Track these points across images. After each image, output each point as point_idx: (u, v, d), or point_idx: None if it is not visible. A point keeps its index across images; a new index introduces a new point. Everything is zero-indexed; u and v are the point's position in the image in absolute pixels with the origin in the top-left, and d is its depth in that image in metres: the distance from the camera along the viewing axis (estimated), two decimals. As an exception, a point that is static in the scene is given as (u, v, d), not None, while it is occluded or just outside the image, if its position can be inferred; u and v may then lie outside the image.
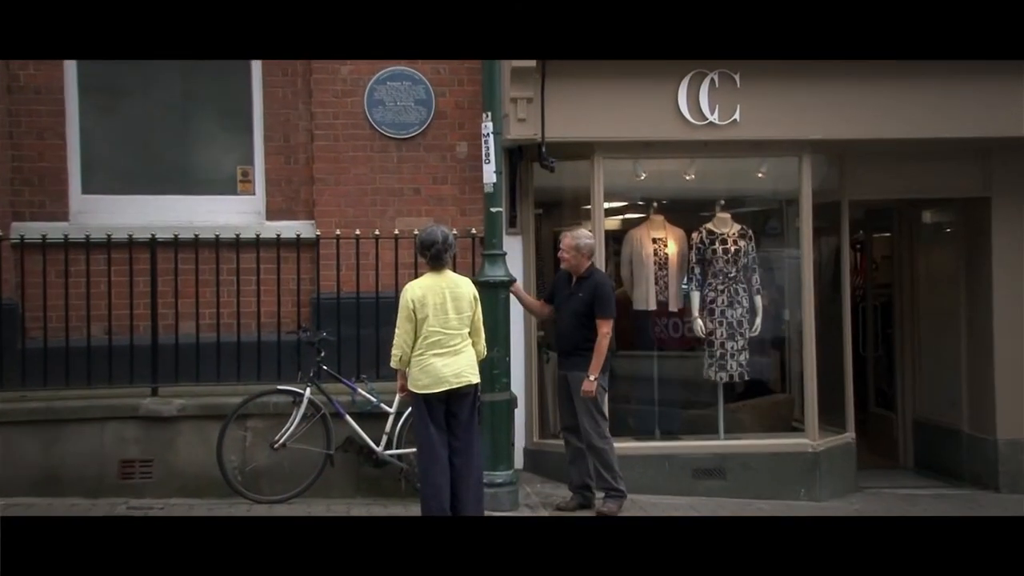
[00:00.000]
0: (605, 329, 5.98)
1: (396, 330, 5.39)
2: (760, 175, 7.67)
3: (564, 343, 6.19)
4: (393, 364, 5.44)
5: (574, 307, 6.10)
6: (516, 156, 7.24)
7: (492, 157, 6.04)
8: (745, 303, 7.47)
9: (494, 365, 5.94)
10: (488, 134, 6.06)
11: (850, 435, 7.76)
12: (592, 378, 5.95)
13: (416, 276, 6.84)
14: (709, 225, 7.53)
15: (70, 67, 7.00)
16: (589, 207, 7.26)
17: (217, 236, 6.77)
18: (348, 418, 6.27)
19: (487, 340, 5.64)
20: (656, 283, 7.66)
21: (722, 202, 7.58)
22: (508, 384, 6.11)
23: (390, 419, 6.29)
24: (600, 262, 7.03)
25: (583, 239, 6.18)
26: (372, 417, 6.30)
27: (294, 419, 6.20)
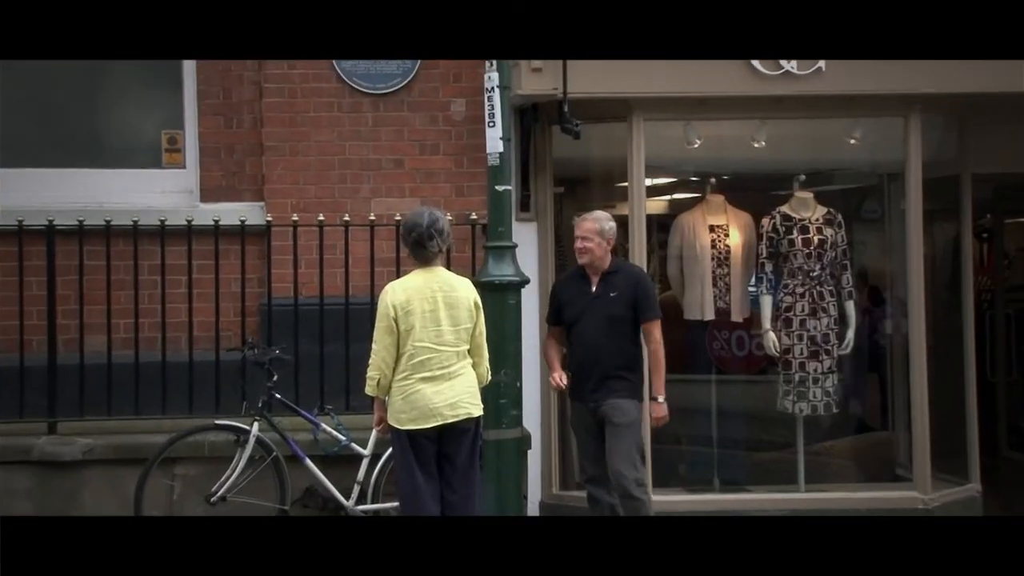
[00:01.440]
0: (658, 334, 5.97)
1: (373, 346, 5.29)
2: (852, 141, 7.60)
3: (595, 366, 5.97)
4: (368, 390, 5.35)
5: (607, 313, 5.98)
6: (529, 118, 7.20)
7: (498, 119, 5.98)
8: (832, 311, 7.40)
9: (500, 393, 5.88)
10: (493, 89, 6.01)
11: (975, 487, 7.66)
12: (661, 399, 5.95)
13: (400, 275, 6.84)
14: (785, 208, 7.47)
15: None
16: (625, 184, 7.19)
17: (135, 222, 6.73)
18: (309, 462, 6.23)
19: (491, 360, 5.55)
20: (715, 285, 7.61)
21: (802, 177, 7.51)
22: (519, 418, 6.05)
23: (364, 464, 6.23)
24: (639, 258, 6.97)
25: (605, 221, 6.07)
26: (340, 461, 6.26)
27: (237, 464, 6.15)
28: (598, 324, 5.97)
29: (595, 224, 6.03)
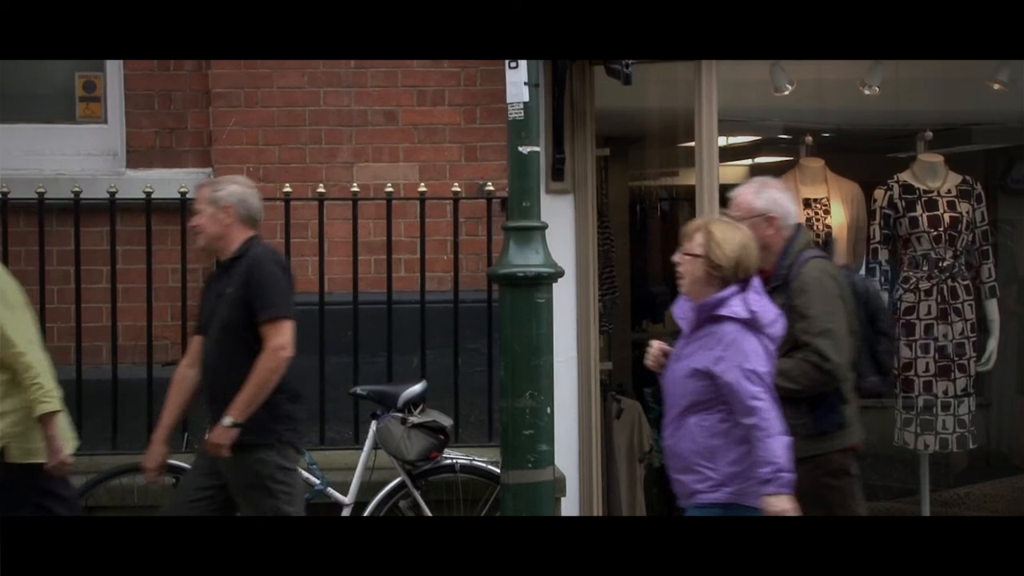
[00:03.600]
0: (278, 340, 5.49)
1: None
2: (997, 87, 7.66)
3: (210, 398, 5.68)
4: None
5: (221, 321, 5.64)
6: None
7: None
8: (969, 313, 7.47)
9: (525, 422, 5.96)
10: (515, 16, 6.10)
11: None
12: (228, 421, 5.45)
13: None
14: (905, 175, 7.54)
15: None
16: (691, 145, 7.26)
17: (41, 194, 6.83)
18: (270, 514, 6.34)
19: (512, 377, 5.66)
20: (812, 278, 7.66)
21: (929, 135, 7.59)
22: (550, 455, 6.10)
23: (344, 514, 6.37)
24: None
25: (226, 185, 5.74)
26: (314, 511, 6.25)
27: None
28: (214, 337, 5.69)
29: (208, 191, 5.80)
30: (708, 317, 4.98)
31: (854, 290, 5.72)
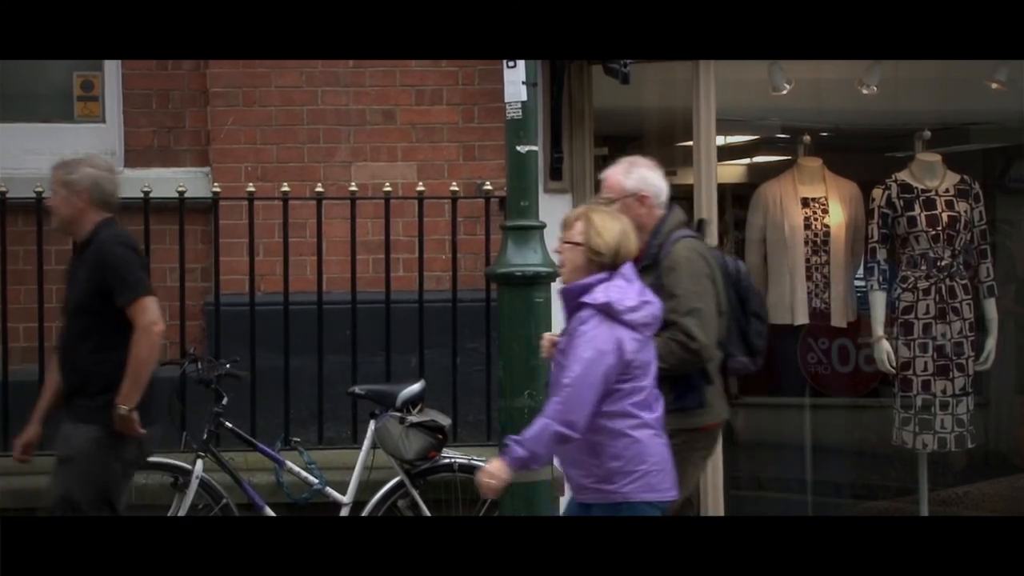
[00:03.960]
0: (145, 319, 5.48)
1: None
2: (995, 86, 7.67)
3: (65, 385, 5.70)
4: None
5: (71, 305, 5.68)
6: (562, 55, 7.30)
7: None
8: (967, 312, 7.48)
9: (523, 420, 5.87)
10: (513, 15, 6.11)
11: None
12: (124, 409, 5.46)
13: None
14: (904, 175, 7.55)
15: None
16: (690, 145, 7.28)
17: (39, 193, 6.74)
18: (269, 513, 6.35)
19: (510, 376, 5.67)
20: (809, 278, 7.71)
21: (927, 134, 7.60)
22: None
23: (343, 514, 6.37)
24: (709, 236, 7.03)
25: (80, 168, 5.63)
26: (312, 511, 6.37)
27: (176, 514, 6.28)
28: (68, 320, 5.73)
29: (61, 173, 5.69)
30: (576, 305, 5.04)
31: (725, 271, 5.76)
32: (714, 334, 5.49)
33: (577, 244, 5.05)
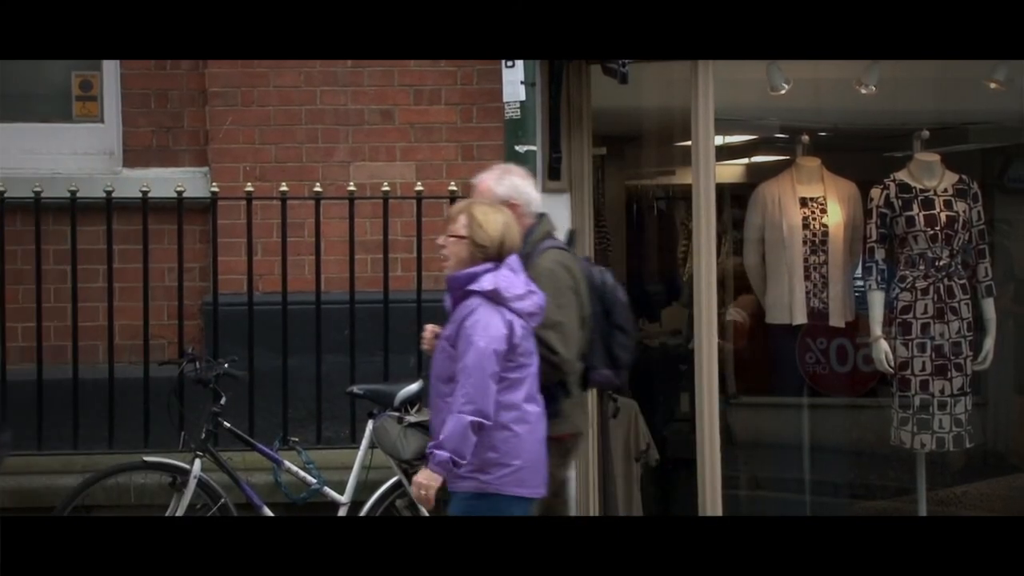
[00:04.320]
0: None
1: None
2: (994, 86, 7.68)
3: None
4: None
5: None
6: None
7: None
8: (965, 312, 7.48)
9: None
10: (511, 15, 6.10)
11: None
12: None
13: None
14: (902, 175, 7.55)
15: None
16: (688, 144, 7.27)
17: (37, 193, 6.84)
18: (268, 512, 6.37)
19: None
20: (808, 278, 7.71)
21: (925, 134, 7.60)
22: (546, 454, 6.11)
23: (341, 513, 6.38)
24: (706, 241, 7.04)
25: None
26: (311, 511, 6.39)
27: (174, 514, 6.30)
28: None
29: None
30: (462, 293, 5.12)
31: (591, 282, 5.80)
32: (576, 347, 5.56)
33: (461, 238, 5.16)
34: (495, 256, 5.15)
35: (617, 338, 5.85)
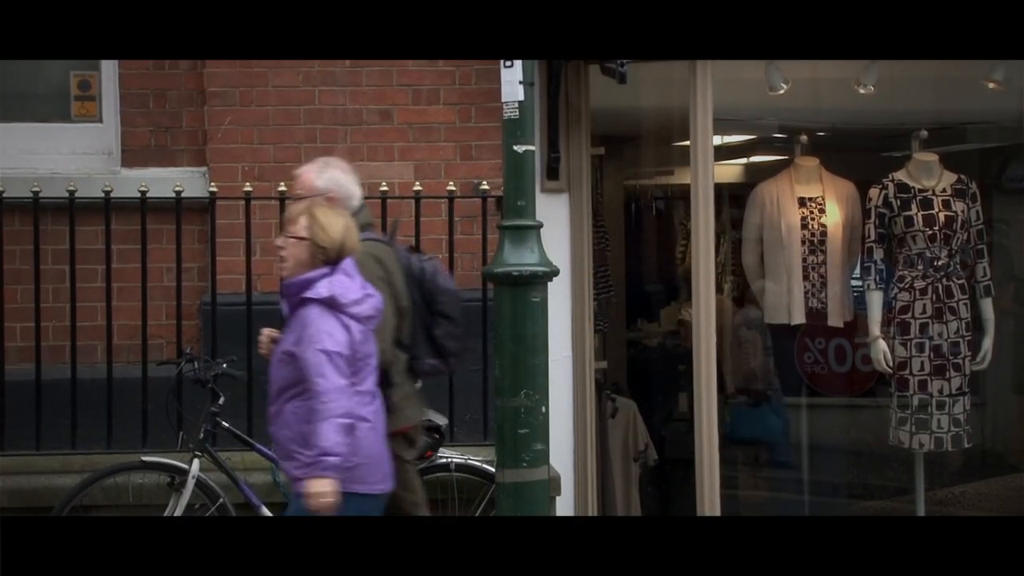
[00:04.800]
0: None
1: None
2: (992, 85, 7.68)
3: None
4: None
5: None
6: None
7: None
8: (964, 312, 7.49)
9: (520, 421, 5.94)
10: (509, 15, 6.10)
11: None
12: None
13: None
14: (901, 175, 7.55)
15: None
16: (687, 144, 7.28)
17: (35, 193, 6.83)
18: (266, 512, 6.36)
19: (508, 377, 5.69)
20: (806, 278, 7.71)
21: (924, 134, 7.60)
22: (545, 455, 6.09)
23: (338, 515, 6.37)
24: (704, 240, 7.04)
25: None
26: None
27: (172, 514, 6.29)
28: None
29: None
30: (298, 300, 5.13)
31: (410, 273, 5.83)
32: (389, 338, 5.55)
33: (302, 239, 5.16)
34: (335, 258, 5.15)
35: (442, 327, 5.87)
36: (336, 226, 5.20)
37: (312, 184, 5.69)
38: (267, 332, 5.54)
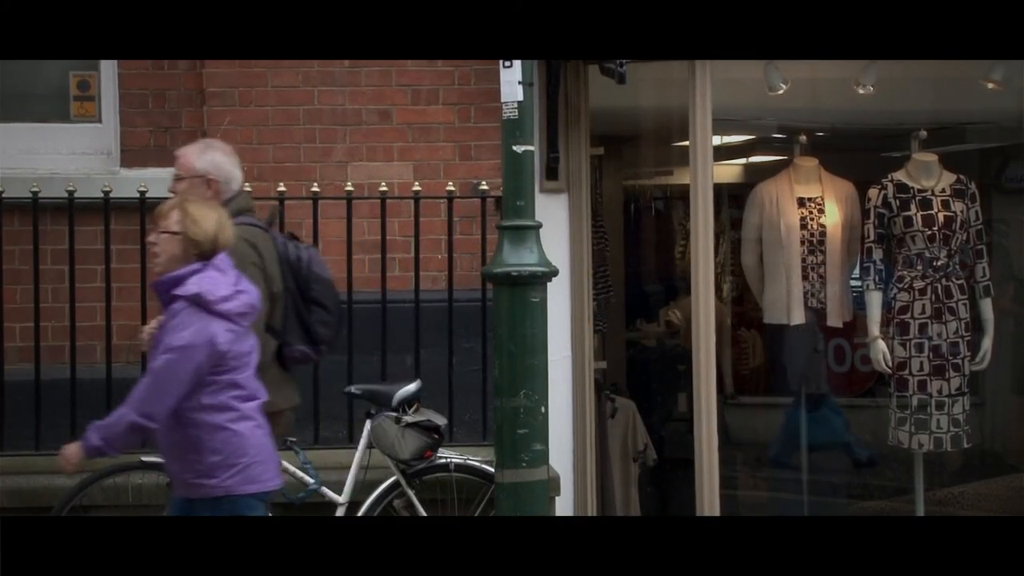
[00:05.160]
0: None
1: None
2: (991, 85, 7.68)
3: None
4: None
5: None
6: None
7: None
8: (963, 312, 7.48)
9: (520, 422, 5.95)
10: (509, 15, 6.10)
11: None
12: None
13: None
14: (900, 175, 7.55)
15: None
16: (686, 144, 7.28)
17: (35, 193, 6.82)
18: (265, 512, 6.33)
19: (507, 377, 5.69)
20: (805, 278, 7.71)
21: (923, 134, 7.59)
22: (544, 455, 6.11)
23: (339, 514, 6.37)
24: (703, 240, 7.04)
25: None
26: (308, 511, 6.37)
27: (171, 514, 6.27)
28: None
29: None
30: (169, 297, 5.07)
31: (286, 259, 5.81)
32: (259, 324, 5.49)
33: (174, 233, 5.09)
34: (208, 253, 5.09)
35: (316, 314, 5.87)
36: (209, 219, 5.12)
37: (192, 165, 5.69)
38: (147, 328, 5.45)
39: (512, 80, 6.05)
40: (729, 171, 8.99)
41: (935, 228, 7.42)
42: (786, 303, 7.71)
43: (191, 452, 5.07)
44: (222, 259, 5.13)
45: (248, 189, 5.96)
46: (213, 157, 5.74)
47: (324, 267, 6.05)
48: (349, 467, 6.36)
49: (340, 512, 6.37)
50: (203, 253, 5.08)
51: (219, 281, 5.06)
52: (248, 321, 5.15)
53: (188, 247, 5.07)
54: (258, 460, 5.12)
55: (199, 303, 4.99)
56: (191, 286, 5.00)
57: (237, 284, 5.13)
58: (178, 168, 5.75)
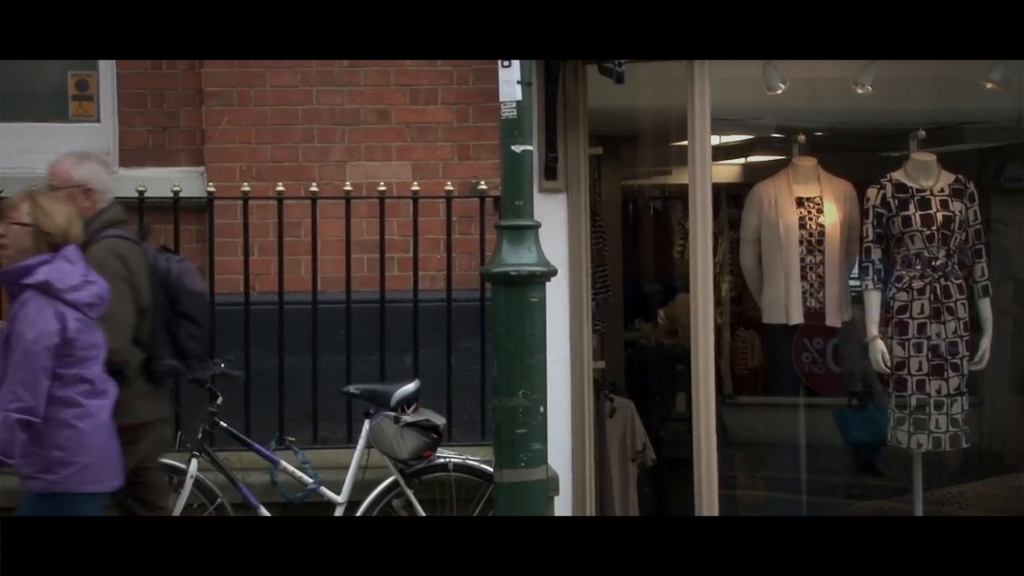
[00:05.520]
0: None
1: None
2: (990, 85, 7.68)
3: None
4: None
5: None
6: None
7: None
8: (962, 312, 7.49)
9: (518, 421, 5.95)
10: (507, 15, 6.10)
11: None
12: None
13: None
14: (899, 175, 7.56)
15: None
16: (685, 144, 7.28)
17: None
18: (264, 512, 6.37)
19: (506, 377, 5.70)
20: (804, 278, 7.72)
21: (922, 134, 7.60)
22: (543, 454, 6.11)
23: (338, 513, 6.39)
24: (702, 240, 7.04)
25: None
26: (307, 511, 6.39)
27: (171, 513, 6.25)
28: None
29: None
30: (17, 288, 5.07)
31: (156, 272, 5.80)
32: (125, 337, 5.55)
33: (25, 225, 5.10)
34: (60, 244, 5.10)
35: (185, 328, 5.85)
36: (60, 213, 5.15)
37: (68, 175, 5.69)
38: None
39: (511, 80, 6.05)
40: (728, 171, 9.00)
41: (934, 228, 7.42)
42: (785, 303, 7.72)
43: (34, 446, 5.04)
44: (72, 251, 5.14)
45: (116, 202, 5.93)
46: (91, 167, 5.76)
47: (197, 280, 6.03)
48: (348, 467, 6.37)
49: (339, 512, 6.39)
50: (54, 245, 5.09)
51: (68, 271, 5.08)
52: (96, 313, 5.16)
53: (39, 239, 5.10)
54: (97, 460, 5.11)
55: (47, 291, 5.00)
56: (40, 275, 5.02)
57: (86, 275, 5.15)
58: (52, 178, 5.72)
